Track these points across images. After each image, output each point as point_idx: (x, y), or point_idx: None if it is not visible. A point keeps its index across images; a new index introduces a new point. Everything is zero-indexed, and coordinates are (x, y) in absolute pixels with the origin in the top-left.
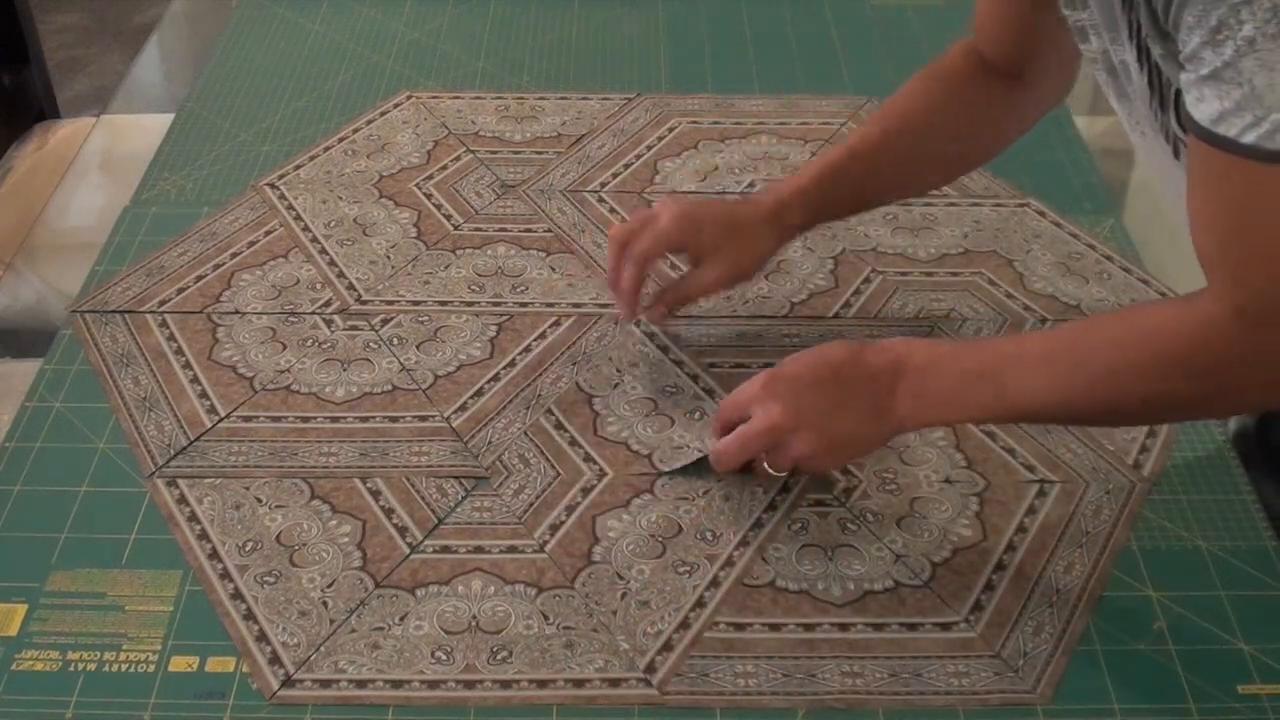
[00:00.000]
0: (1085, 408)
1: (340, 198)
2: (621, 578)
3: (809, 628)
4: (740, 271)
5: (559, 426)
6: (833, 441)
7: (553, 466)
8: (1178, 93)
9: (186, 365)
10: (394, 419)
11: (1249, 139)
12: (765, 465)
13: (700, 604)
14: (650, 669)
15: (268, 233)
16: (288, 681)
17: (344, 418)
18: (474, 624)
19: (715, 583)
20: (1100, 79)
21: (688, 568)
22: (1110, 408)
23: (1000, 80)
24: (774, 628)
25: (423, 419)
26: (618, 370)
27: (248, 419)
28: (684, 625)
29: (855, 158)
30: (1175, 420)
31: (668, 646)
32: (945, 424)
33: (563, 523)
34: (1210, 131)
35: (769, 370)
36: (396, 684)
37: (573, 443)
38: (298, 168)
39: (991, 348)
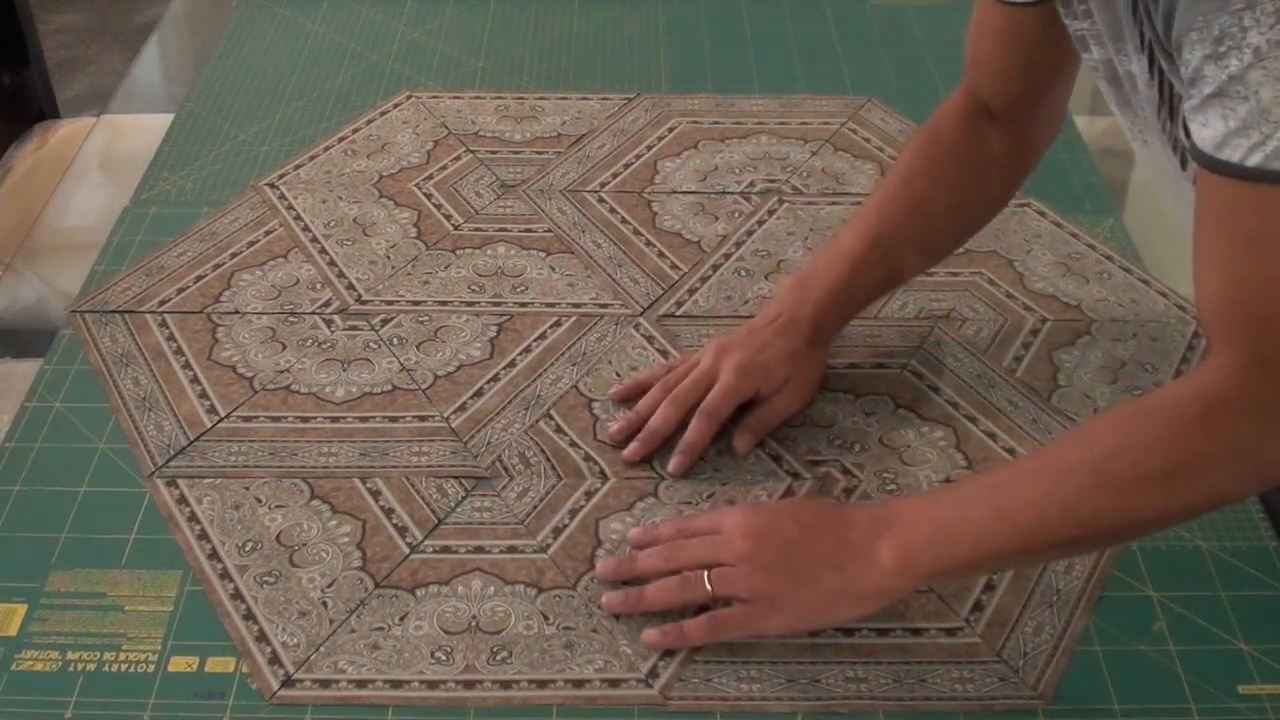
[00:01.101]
0: (1101, 506)
1: (340, 198)
2: (625, 582)
3: (813, 632)
4: (809, 398)
5: (559, 430)
6: (803, 584)
7: (554, 469)
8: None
9: (186, 365)
10: (394, 419)
11: (1254, 160)
12: (707, 581)
13: (702, 607)
14: (653, 674)
15: (268, 233)
16: (287, 682)
17: (344, 418)
18: (474, 624)
19: None
20: (1102, 87)
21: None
22: (1124, 498)
23: (996, 129)
24: None
25: (423, 419)
26: (617, 374)
27: (247, 419)
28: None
29: (878, 245)
30: (1202, 502)
31: (670, 651)
32: (941, 570)
33: (566, 526)
34: (1213, 158)
35: (750, 502)
36: (396, 684)
37: (573, 445)
38: (298, 168)
39: (983, 473)
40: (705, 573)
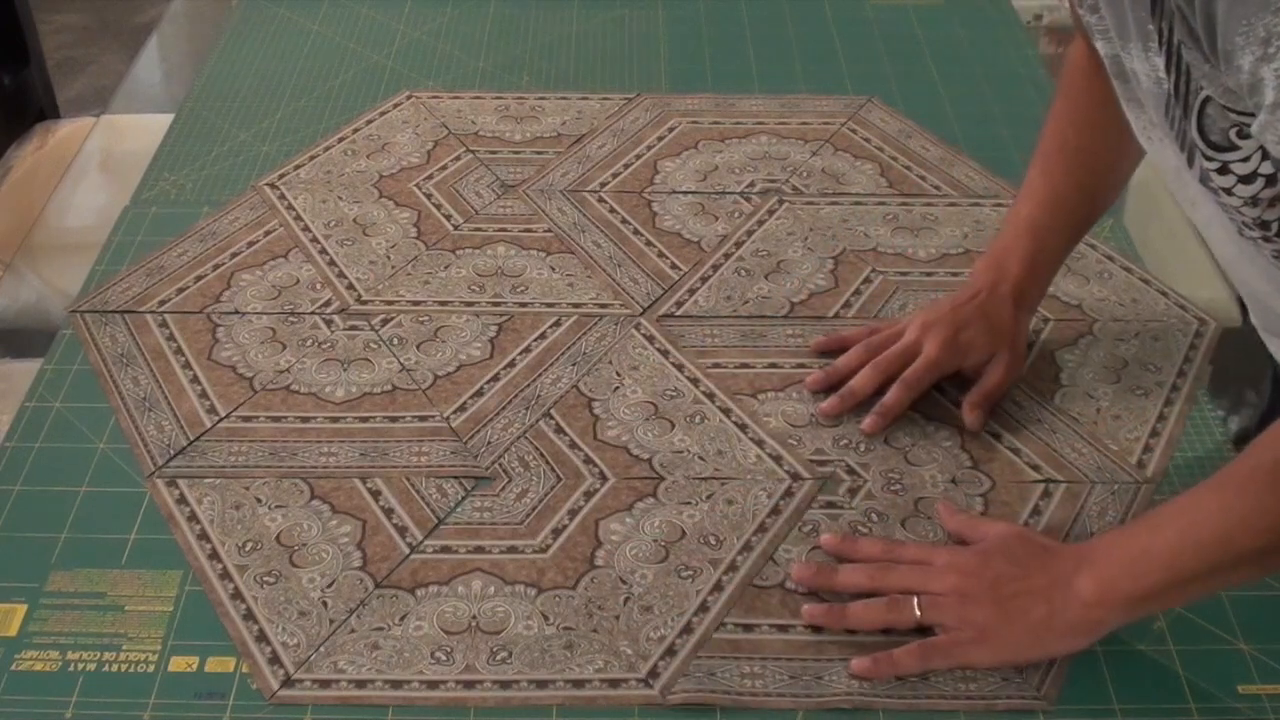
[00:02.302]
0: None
1: (340, 198)
2: (624, 582)
3: (817, 630)
4: (1019, 369)
5: (559, 430)
6: (1010, 618)
7: (553, 470)
8: (1204, 100)
9: (186, 365)
10: (394, 419)
11: None
12: (916, 608)
13: (704, 608)
14: (653, 674)
15: (268, 233)
16: (287, 682)
17: (344, 418)
18: (474, 624)
19: (719, 587)
20: (1112, 83)
21: (691, 572)
22: None
23: None
24: (782, 629)
25: (423, 419)
26: (617, 374)
27: (247, 419)
28: (687, 630)
29: (1056, 210)
30: None
31: (670, 651)
32: (1139, 596)
33: (565, 526)
34: None
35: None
36: (396, 684)
37: (573, 446)
38: (298, 168)
39: (1178, 496)
40: (915, 599)
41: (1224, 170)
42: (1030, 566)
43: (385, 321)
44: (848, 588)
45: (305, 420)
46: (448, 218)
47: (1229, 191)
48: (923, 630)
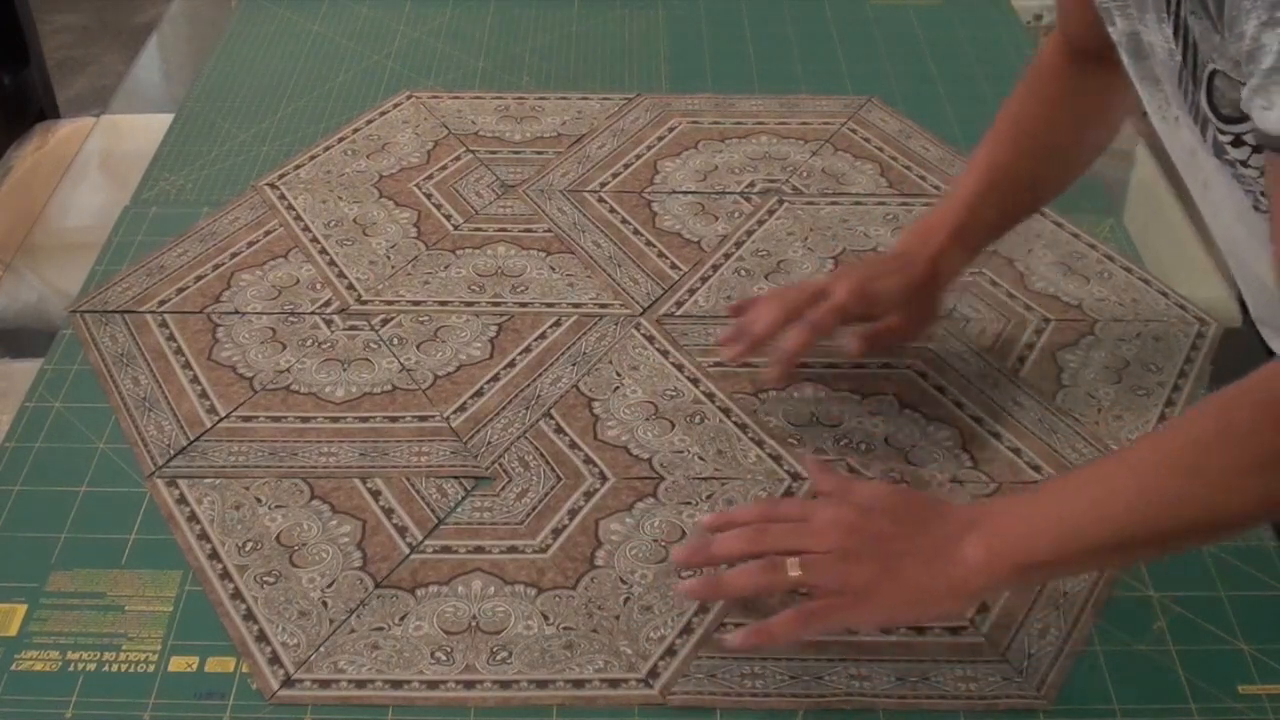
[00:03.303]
0: (1195, 495)
1: (340, 198)
2: (624, 582)
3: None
4: (921, 330)
5: (559, 430)
6: (893, 577)
7: (553, 470)
8: (1212, 73)
9: (186, 365)
10: (394, 419)
11: None
12: (790, 570)
13: (704, 609)
14: (653, 674)
15: (268, 233)
16: (287, 681)
17: (344, 418)
18: (474, 624)
19: None
20: (1126, 62)
21: (691, 572)
22: (1219, 487)
23: (1095, 67)
24: None
25: (422, 419)
26: (617, 374)
27: (247, 419)
28: (687, 630)
29: (994, 187)
30: None
31: (671, 651)
32: (1030, 564)
33: (565, 526)
34: None
35: (840, 496)
36: (396, 684)
37: (573, 446)
38: (298, 168)
39: (1084, 467)
40: (793, 559)
41: (1238, 142)
42: (915, 526)
43: (385, 321)
44: (725, 556)
45: (305, 420)
46: (448, 218)
47: (1245, 164)
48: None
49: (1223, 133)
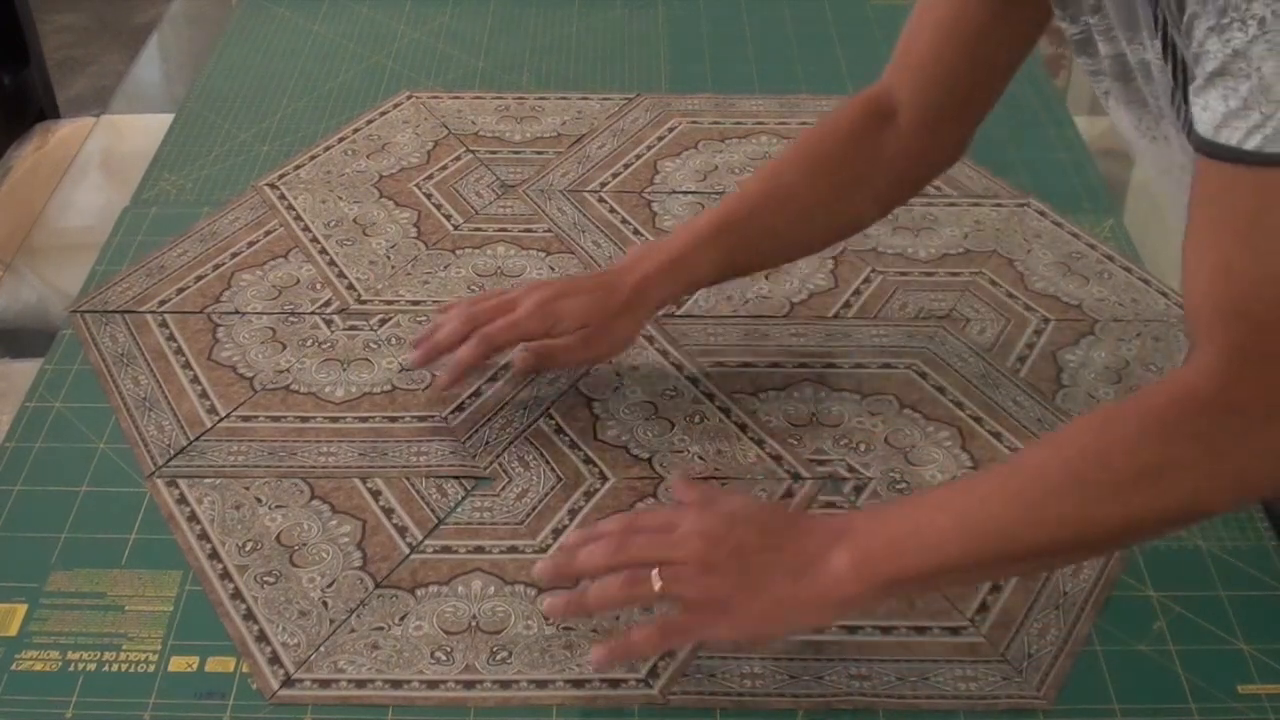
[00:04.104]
0: (1068, 510)
1: (340, 198)
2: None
3: (817, 629)
4: (602, 355)
5: (558, 430)
6: (756, 589)
7: (553, 470)
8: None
9: (186, 365)
10: (393, 419)
11: (1253, 143)
12: (655, 579)
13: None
14: (653, 674)
15: (268, 233)
16: (287, 681)
17: (343, 418)
18: (474, 624)
19: None
20: (1100, 89)
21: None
22: (1093, 501)
23: (894, 140)
24: None
25: (422, 419)
26: (617, 373)
27: (247, 419)
28: None
29: (728, 228)
30: (1177, 510)
31: (670, 651)
32: (900, 578)
33: (565, 526)
34: (1211, 142)
35: (706, 505)
36: (396, 684)
37: (572, 446)
38: (298, 168)
39: (953, 481)
40: (655, 570)
41: None
42: (781, 537)
43: (384, 321)
44: (588, 570)
45: (305, 420)
46: (448, 218)
47: None
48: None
49: None
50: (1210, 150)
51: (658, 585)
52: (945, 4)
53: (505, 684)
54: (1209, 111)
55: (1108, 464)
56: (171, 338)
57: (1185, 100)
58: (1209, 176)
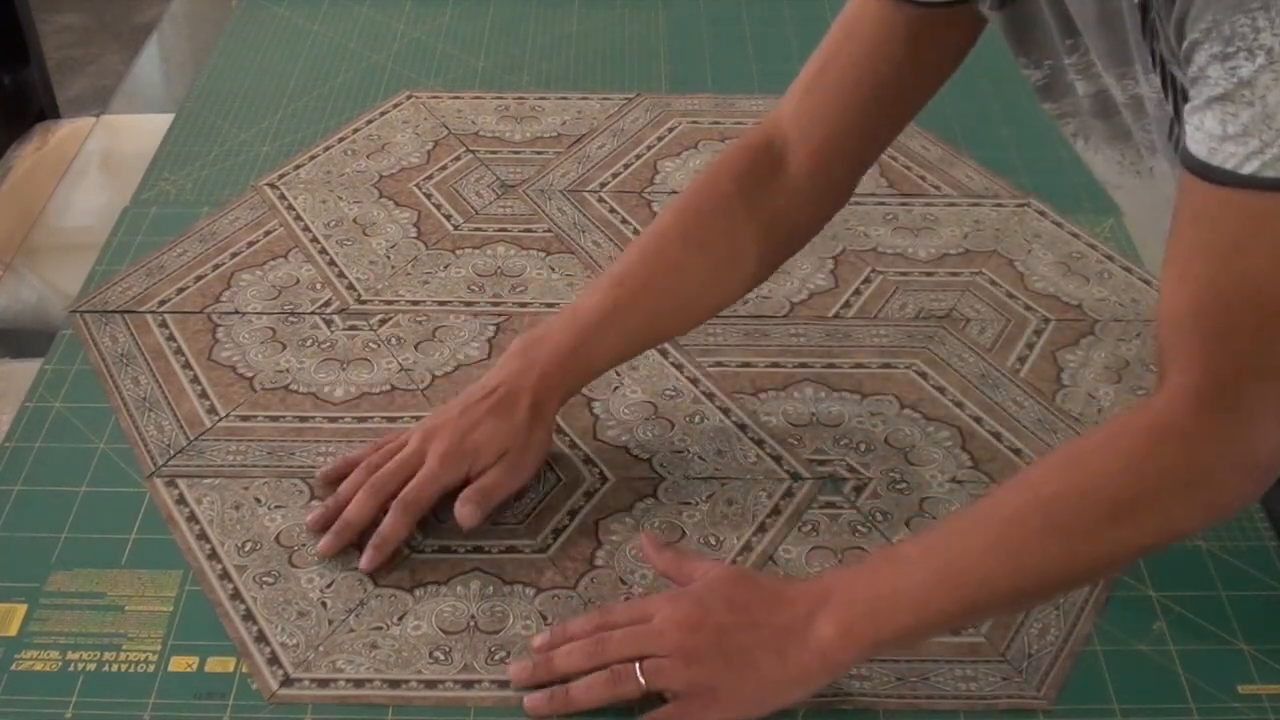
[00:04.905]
0: (1050, 552)
1: (340, 198)
2: (624, 582)
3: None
4: (529, 472)
5: (558, 430)
6: (742, 672)
7: (553, 470)
8: None
9: (186, 365)
10: (392, 419)
11: (1250, 168)
12: (639, 675)
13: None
14: None
15: (268, 233)
16: (286, 681)
17: (343, 418)
18: (472, 624)
19: None
20: (1068, 131)
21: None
22: (1073, 541)
23: (780, 186)
24: None
25: (421, 419)
26: (617, 373)
27: (247, 419)
28: None
29: (615, 315)
30: (1155, 540)
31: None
32: (885, 639)
33: (565, 526)
34: (1204, 163)
35: (674, 590)
36: (394, 684)
37: (572, 446)
38: (298, 168)
39: (924, 533)
40: (636, 665)
41: None
42: (757, 613)
43: (384, 321)
44: (568, 672)
45: (304, 420)
46: (448, 218)
47: None
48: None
49: None
50: (1203, 171)
51: (643, 682)
52: (860, 39)
53: (504, 684)
54: (1203, 133)
55: (1085, 505)
56: (171, 338)
57: (1184, 132)
58: (1197, 197)
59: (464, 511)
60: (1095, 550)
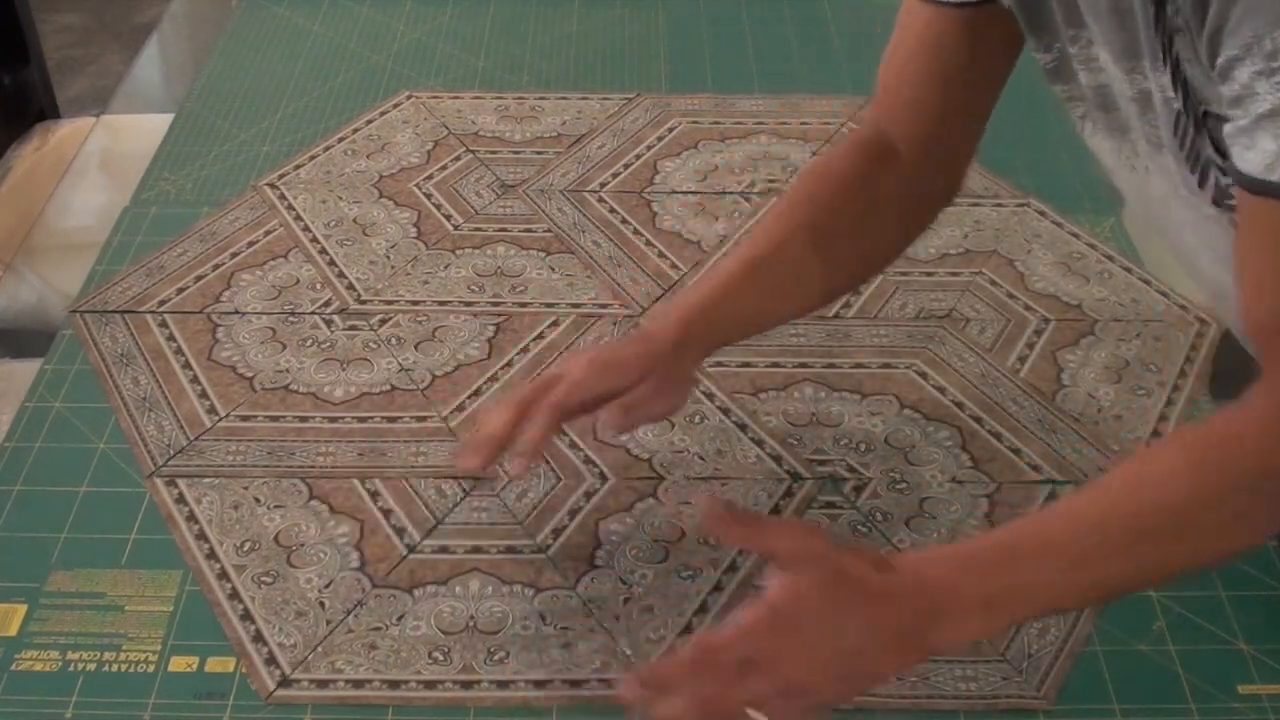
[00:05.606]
0: (1172, 553)
1: (340, 198)
2: (624, 582)
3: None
4: (674, 403)
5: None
6: (850, 685)
7: (553, 470)
8: (1205, 114)
9: (186, 365)
10: (392, 419)
11: None
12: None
13: (703, 609)
14: None
15: (268, 233)
16: (284, 682)
17: (342, 418)
18: (471, 624)
19: (719, 588)
20: (1077, 114)
21: (691, 572)
22: (1196, 542)
23: (894, 170)
24: None
25: (420, 419)
26: None
27: (246, 419)
28: (687, 630)
29: (754, 270)
30: (1245, 549)
31: (670, 651)
32: (999, 630)
33: (565, 526)
34: (1263, 181)
35: (767, 600)
36: (394, 684)
37: (572, 446)
38: (298, 168)
39: (1025, 522)
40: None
41: None
42: (868, 636)
43: (384, 321)
44: None
45: (304, 420)
46: (448, 218)
47: None
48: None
49: (1225, 175)
50: (1261, 189)
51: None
52: (919, 40)
53: (503, 684)
54: (1255, 151)
55: (1210, 510)
56: (171, 338)
57: (1197, 128)
58: (1262, 214)
59: (608, 417)
60: (1225, 543)
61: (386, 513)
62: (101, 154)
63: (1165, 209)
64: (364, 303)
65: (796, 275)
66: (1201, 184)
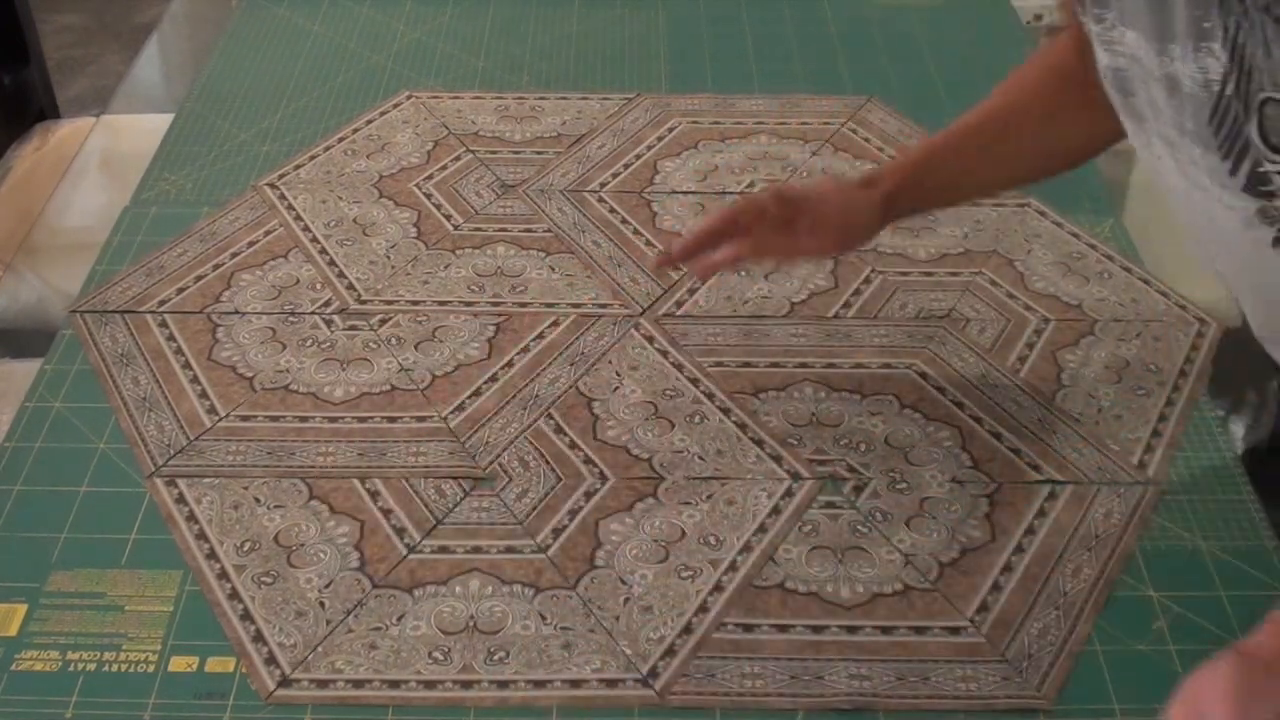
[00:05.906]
0: None
1: (340, 198)
2: (624, 582)
3: (817, 630)
4: (842, 244)
5: (558, 430)
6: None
7: (553, 470)
8: (1264, 101)
9: (186, 365)
10: (392, 419)
11: None
12: None
13: (703, 609)
14: (653, 674)
15: (268, 233)
16: (284, 682)
17: (342, 418)
18: (471, 624)
19: (719, 588)
20: (1112, 92)
21: (691, 572)
22: None
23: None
24: (782, 629)
25: (421, 419)
26: (617, 373)
27: (246, 419)
28: (687, 630)
29: (949, 146)
30: None
31: (670, 652)
32: None
33: (565, 526)
34: None
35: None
36: (394, 684)
37: (572, 446)
38: (298, 168)
39: None
40: None
41: None
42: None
43: (384, 321)
44: None
45: (304, 420)
46: (448, 218)
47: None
48: None
49: (1272, 162)
50: None
51: None
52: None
53: (503, 684)
54: None
55: None
56: (171, 338)
57: (1244, 112)
58: None
59: (770, 187)
60: None
61: (386, 513)
62: (101, 154)
63: (1189, 200)
64: (364, 303)
65: (986, 157)
66: (1234, 171)
